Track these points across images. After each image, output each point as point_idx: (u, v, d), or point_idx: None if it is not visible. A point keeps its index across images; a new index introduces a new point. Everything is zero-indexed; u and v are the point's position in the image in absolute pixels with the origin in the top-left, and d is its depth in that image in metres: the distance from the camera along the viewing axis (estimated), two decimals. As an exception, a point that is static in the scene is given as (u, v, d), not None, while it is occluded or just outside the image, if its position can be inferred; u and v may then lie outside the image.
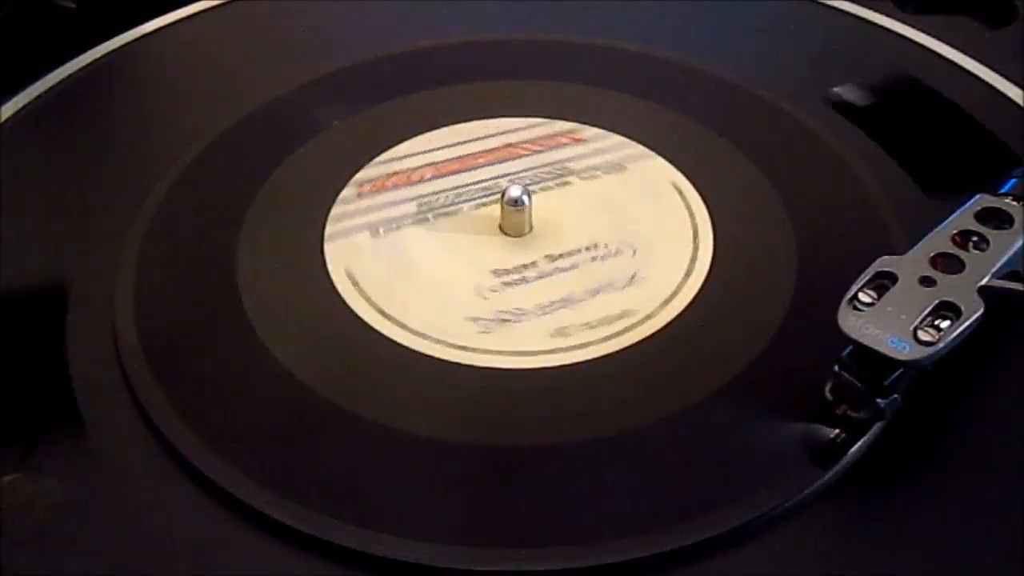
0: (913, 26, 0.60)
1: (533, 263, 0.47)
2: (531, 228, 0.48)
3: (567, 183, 0.51)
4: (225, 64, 0.59)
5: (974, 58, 0.57)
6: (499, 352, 0.43)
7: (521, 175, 0.51)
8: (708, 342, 0.44)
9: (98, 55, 0.59)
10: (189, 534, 0.38)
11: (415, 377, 0.43)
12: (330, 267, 0.47)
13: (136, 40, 0.60)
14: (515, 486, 0.40)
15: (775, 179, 0.50)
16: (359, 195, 0.50)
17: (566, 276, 0.46)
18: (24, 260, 0.48)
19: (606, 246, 0.47)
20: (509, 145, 0.53)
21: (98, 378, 0.43)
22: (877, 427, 0.40)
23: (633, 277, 0.46)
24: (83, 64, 0.58)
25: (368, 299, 0.45)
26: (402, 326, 0.44)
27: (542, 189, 0.50)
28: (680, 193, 0.50)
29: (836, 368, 0.39)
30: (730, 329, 0.44)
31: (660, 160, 0.52)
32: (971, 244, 0.41)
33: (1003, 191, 0.43)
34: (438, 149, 0.53)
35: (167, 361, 0.43)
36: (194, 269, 0.47)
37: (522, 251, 0.48)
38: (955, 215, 0.42)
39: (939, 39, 0.59)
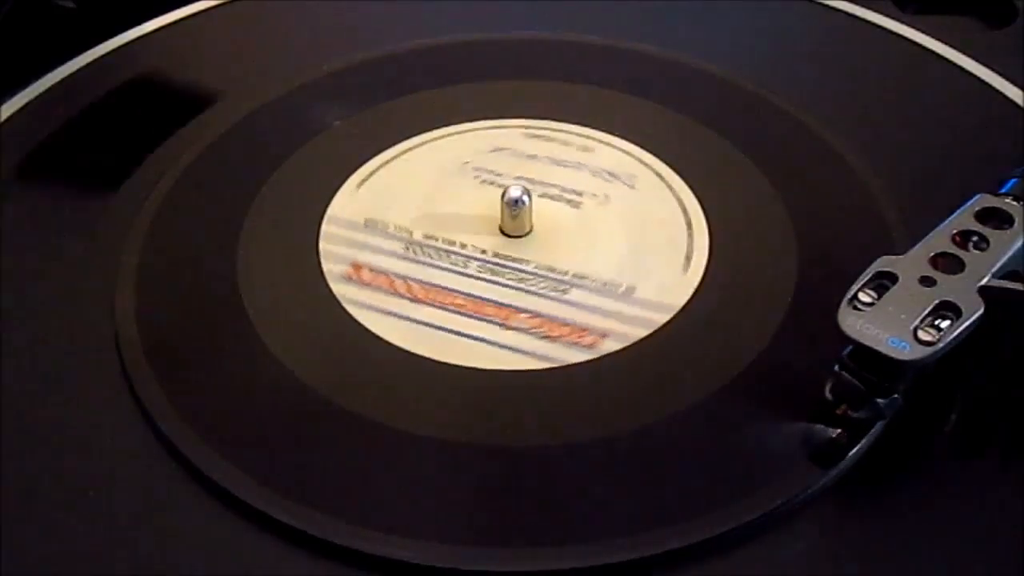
0: (913, 26, 0.60)
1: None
2: (531, 229, 0.48)
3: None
4: (225, 64, 0.59)
5: (974, 58, 0.57)
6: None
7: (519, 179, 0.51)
8: (708, 342, 0.44)
9: (98, 55, 0.59)
10: (189, 534, 0.38)
11: (415, 378, 0.43)
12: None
13: (136, 40, 0.60)
14: (515, 486, 0.40)
15: (775, 179, 0.50)
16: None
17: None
18: (24, 260, 0.48)
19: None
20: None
21: (98, 378, 0.43)
22: (877, 427, 0.40)
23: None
24: (83, 64, 0.58)
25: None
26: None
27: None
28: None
29: (836, 368, 0.39)
30: (730, 329, 0.44)
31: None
32: (971, 244, 0.41)
33: (1003, 191, 0.43)
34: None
35: (167, 361, 0.43)
36: (194, 269, 0.47)
37: (518, 253, 0.47)
38: (955, 215, 0.42)
39: (939, 39, 0.59)
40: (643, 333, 0.44)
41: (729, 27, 0.61)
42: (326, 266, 0.47)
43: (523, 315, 0.45)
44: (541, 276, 0.46)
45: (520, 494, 0.39)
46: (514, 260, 0.47)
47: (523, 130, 0.54)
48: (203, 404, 0.42)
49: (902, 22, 0.60)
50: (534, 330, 0.44)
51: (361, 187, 0.51)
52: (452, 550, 0.37)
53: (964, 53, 0.58)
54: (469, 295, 0.46)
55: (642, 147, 0.52)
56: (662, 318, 0.44)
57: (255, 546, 0.38)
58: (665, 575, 0.37)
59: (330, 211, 0.49)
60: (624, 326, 0.44)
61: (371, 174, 0.51)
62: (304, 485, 0.39)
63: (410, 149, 0.53)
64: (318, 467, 0.40)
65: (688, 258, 0.47)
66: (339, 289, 0.46)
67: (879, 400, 0.39)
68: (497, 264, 0.47)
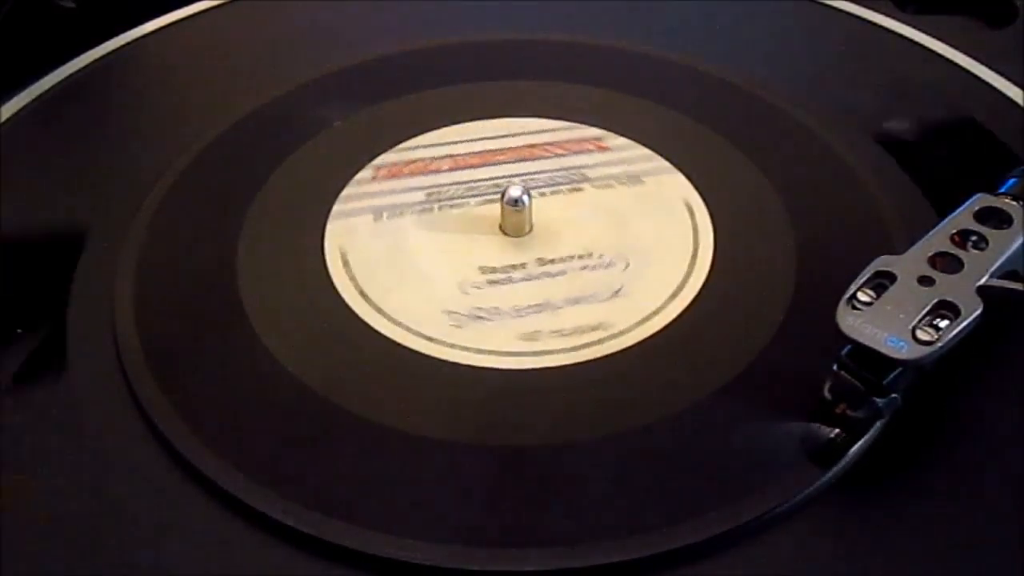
0: (913, 26, 0.60)
1: (523, 265, 0.47)
2: (531, 229, 0.48)
3: (579, 189, 0.51)
4: (225, 64, 0.59)
5: (974, 58, 0.57)
6: (498, 353, 0.43)
7: (535, 176, 0.51)
8: (708, 342, 0.44)
9: (98, 55, 0.59)
10: (189, 534, 0.38)
11: (416, 378, 0.43)
12: (331, 268, 0.47)
13: (136, 40, 0.60)
14: (515, 486, 0.40)
15: (775, 179, 0.50)
16: (374, 178, 0.51)
17: (556, 280, 0.46)
18: (25, 260, 0.48)
19: (600, 255, 0.47)
20: (531, 146, 0.53)
21: (98, 378, 0.43)
22: (877, 427, 0.40)
23: (632, 275, 0.46)
24: (83, 64, 0.58)
25: (369, 299, 0.45)
26: (394, 321, 0.44)
27: (552, 193, 0.50)
28: (680, 192, 0.50)
29: (835, 367, 0.39)
30: (730, 329, 0.44)
31: (658, 157, 0.52)
32: (970, 244, 0.41)
33: (1002, 191, 0.43)
34: (461, 142, 0.53)
35: (167, 361, 0.43)
36: (194, 269, 0.47)
37: (516, 252, 0.48)
38: (954, 214, 0.42)
39: (939, 39, 0.59)
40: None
41: (729, 27, 0.61)
42: (326, 267, 0.47)
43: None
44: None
45: (520, 494, 0.39)
46: (510, 264, 0.47)
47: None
48: (203, 404, 0.42)
49: (902, 22, 0.60)
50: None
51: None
52: (452, 550, 0.37)
53: (964, 53, 0.58)
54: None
55: (645, 146, 0.52)
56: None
57: (254, 546, 0.38)
58: (665, 575, 0.37)
59: (330, 211, 0.50)
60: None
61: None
62: (304, 485, 0.39)
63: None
64: (317, 467, 0.40)
65: (691, 261, 0.47)
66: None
67: (878, 400, 0.39)
68: (492, 270, 0.47)
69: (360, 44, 0.59)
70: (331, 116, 0.54)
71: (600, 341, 0.44)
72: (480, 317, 0.45)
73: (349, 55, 0.58)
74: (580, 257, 0.47)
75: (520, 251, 0.48)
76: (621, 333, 0.44)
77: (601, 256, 0.47)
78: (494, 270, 0.47)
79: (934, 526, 0.38)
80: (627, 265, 0.47)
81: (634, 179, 0.51)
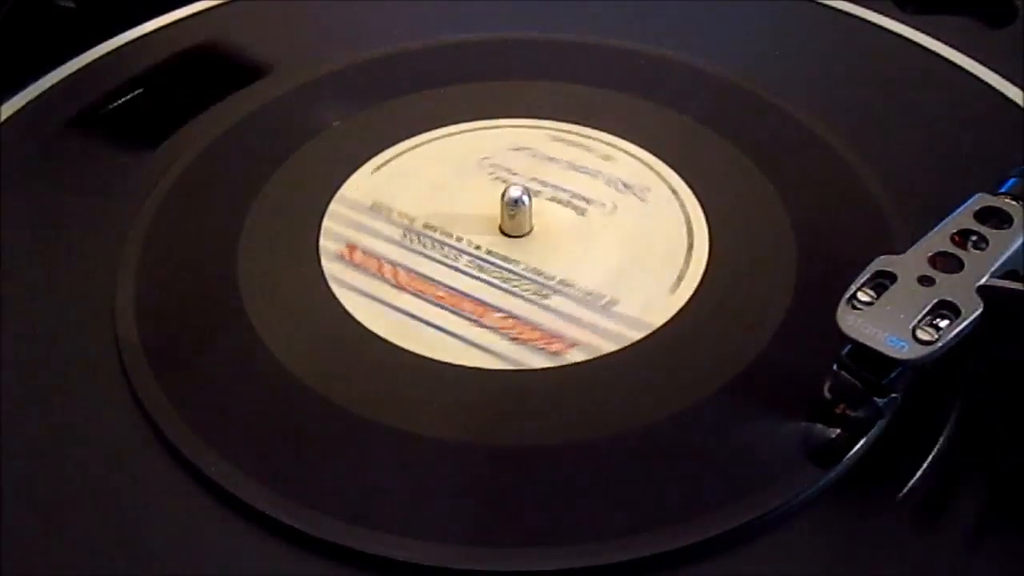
0: (913, 26, 0.60)
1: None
2: (531, 230, 0.48)
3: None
4: (225, 64, 0.59)
5: (974, 58, 0.57)
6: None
7: (535, 176, 0.51)
8: (708, 342, 0.44)
9: (98, 55, 0.59)
10: (189, 534, 0.38)
11: (415, 378, 0.43)
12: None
13: (136, 40, 0.60)
14: (515, 486, 0.40)
15: (775, 179, 0.50)
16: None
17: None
18: (24, 260, 0.48)
19: (599, 255, 0.47)
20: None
21: (98, 378, 0.43)
22: (877, 427, 0.40)
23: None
24: (83, 64, 0.58)
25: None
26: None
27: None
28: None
29: (835, 367, 0.39)
30: (730, 329, 0.44)
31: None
32: (970, 243, 0.41)
33: (1002, 191, 0.43)
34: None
35: (167, 361, 0.43)
36: (194, 269, 0.47)
37: (516, 253, 0.48)
38: (954, 214, 0.42)
39: (939, 39, 0.59)
40: (612, 347, 0.44)
41: (728, 27, 0.61)
42: (323, 243, 0.47)
43: (498, 315, 0.45)
44: (527, 278, 0.46)
45: (520, 494, 0.39)
46: (505, 260, 0.47)
47: (549, 132, 0.54)
48: (203, 404, 0.42)
49: (902, 22, 0.60)
50: (504, 331, 0.44)
51: (377, 172, 0.51)
52: (452, 550, 0.37)
53: (964, 53, 0.58)
54: (451, 288, 0.46)
55: (644, 146, 0.52)
56: (636, 335, 0.44)
57: (254, 546, 0.38)
58: (665, 575, 0.37)
59: (342, 190, 0.50)
60: (595, 338, 0.44)
61: (390, 160, 0.52)
62: (304, 485, 0.39)
63: (431, 141, 0.53)
64: (318, 467, 0.40)
65: (679, 278, 0.46)
66: (330, 268, 0.46)
67: (878, 399, 0.39)
68: (487, 262, 0.47)
69: (360, 44, 0.59)
70: (331, 116, 0.54)
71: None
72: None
73: (349, 55, 0.58)
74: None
75: (520, 252, 0.47)
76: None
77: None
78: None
79: (934, 526, 0.38)
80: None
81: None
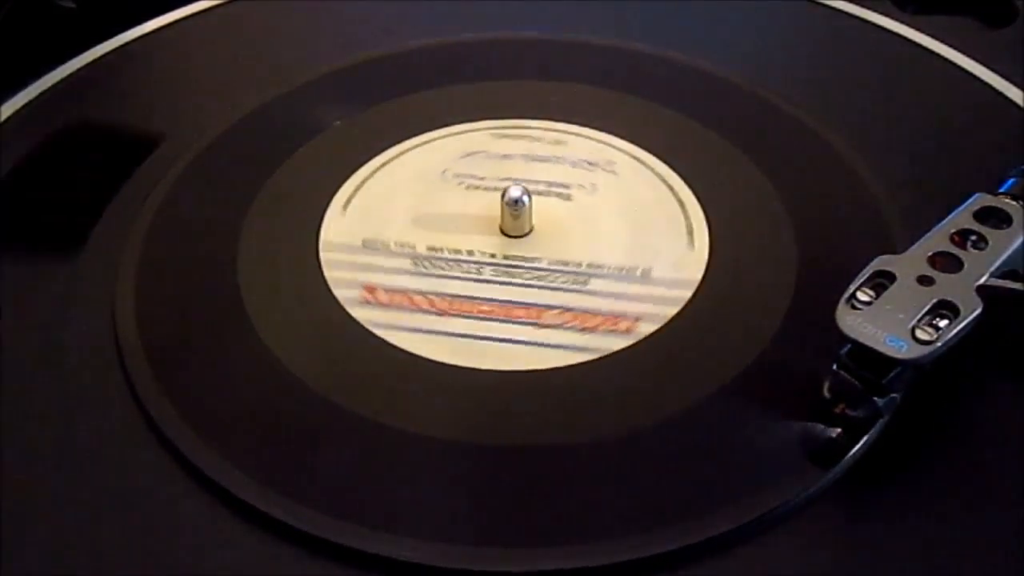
0: (913, 26, 0.60)
1: (539, 262, 0.47)
2: (531, 230, 0.48)
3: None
4: (225, 64, 0.59)
5: (974, 58, 0.57)
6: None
7: (533, 177, 0.51)
8: (708, 342, 0.44)
9: (98, 55, 0.59)
10: (189, 534, 0.38)
11: (415, 378, 0.43)
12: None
13: (136, 40, 0.60)
14: (515, 486, 0.40)
15: (775, 179, 0.50)
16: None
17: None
18: (24, 260, 0.48)
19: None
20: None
21: (98, 378, 0.43)
22: (877, 427, 0.40)
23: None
24: (83, 64, 0.58)
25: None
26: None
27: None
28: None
29: (834, 367, 0.39)
30: (730, 329, 0.44)
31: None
32: (970, 243, 0.41)
33: (1002, 190, 0.43)
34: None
35: (167, 361, 0.43)
36: (194, 269, 0.47)
37: (516, 253, 0.47)
38: (954, 214, 0.42)
39: (939, 39, 0.59)
40: (643, 333, 0.44)
41: (728, 26, 0.61)
42: (338, 293, 0.46)
43: (552, 312, 0.45)
44: (558, 271, 0.46)
45: (520, 494, 0.39)
46: (526, 260, 0.47)
47: (490, 131, 0.54)
48: (203, 404, 0.42)
49: (902, 22, 0.60)
50: (569, 325, 0.44)
51: (347, 207, 0.50)
52: (452, 549, 0.37)
53: (964, 53, 0.58)
54: (492, 300, 0.45)
55: (644, 147, 0.52)
56: (685, 293, 0.45)
57: (254, 546, 0.38)
58: (665, 575, 0.37)
59: (323, 236, 0.48)
60: (651, 307, 0.44)
61: (352, 194, 0.51)
62: (304, 485, 0.39)
63: (385, 164, 0.52)
64: (318, 467, 0.40)
65: (690, 232, 0.47)
66: (362, 315, 0.45)
67: (877, 399, 0.39)
68: (510, 266, 0.47)
69: (360, 44, 0.59)
70: (331, 116, 0.54)
71: (599, 342, 0.44)
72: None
73: (349, 55, 0.58)
74: (592, 239, 0.47)
75: (535, 249, 0.47)
76: (620, 333, 0.44)
77: (609, 232, 0.47)
78: (522, 272, 0.47)
79: (934, 526, 0.38)
80: (637, 233, 0.47)
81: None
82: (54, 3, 0.62)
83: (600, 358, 0.43)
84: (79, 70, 0.58)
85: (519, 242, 0.48)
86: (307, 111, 0.55)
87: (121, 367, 0.43)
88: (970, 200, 0.43)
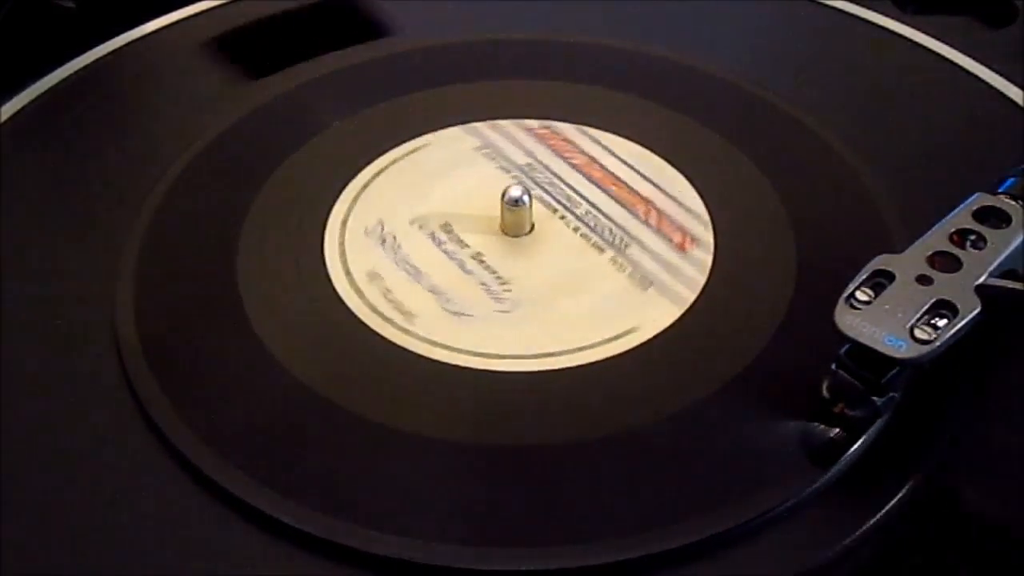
0: (913, 26, 0.60)
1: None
2: (531, 229, 0.48)
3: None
4: (225, 64, 0.59)
5: (974, 58, 0.57)
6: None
7: (533, 177, 0.51)
8: (708, 342, 0.44)
9: (98, 55, 0.59)
10: (189, 534, 0.38)
11: (415, 378, 0.43)
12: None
13: (136, 40, 0.60)
14: (515, 486, 0.40)
15: (775, 179, 0.50)
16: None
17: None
18: (24, 260, 0.48)
19: (599, 256, 0.47)
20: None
21: (98, 378, 0.43)
22: (876, 427, 0.40)
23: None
24: (83, 64, 0.58)
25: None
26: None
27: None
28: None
29: (834, 367, 0.39)
30: (730, 329, 0.44)
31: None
32: (969, 243, 0.41)
33: (1001, 190, 0.43)
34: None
35: (167, 361, 0.43)
36: (194, 269, 0.47)
37: (520, 254, 0.48)
38: (953, 214, 0.42)
39: (939, 39, 0.59)
40: (643, 334, 0.44)
41: (728, 26, 0.61)
42: (326, 266, 0.47)
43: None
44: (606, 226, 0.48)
45: (519, 494, 0.39)
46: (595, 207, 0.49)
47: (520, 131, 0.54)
48: (202, 403, 0.42)
49: (902, 22, 0.60)
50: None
51: (348, 207, 0.50)
52: (452, 549, 0.37)
53: (964, 53, 0.58)
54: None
55: (644, 146, 0.52)
56: (662, 318, 0.45)
57: (254, 545, 0.38)
58: (665, 575, 0.37)
59: (324, 236, 0.49)
60: (624, 327, 0.44)
61: (353, 195, 0.51)
62: (304, 485, 0.39)
63: (384, 165, 0.52)
64: (318, 467, 0.40)
65: (688, 258, 0.47)
66: (339, 289, 0.46)
67: (876, 399, 0.39)
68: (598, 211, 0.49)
69: (360, 44, 0.59)
70: (331, 116, 0.54)
71: (599, 342, 0.44)
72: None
73: (349, 55, 0.58)
74: (578, 260, 0.47)
75: (520, 252, 0.48)
76: (620, 334, 0.44)
77: (599, 257, 0.47)
78: (492, 272, 0.47)
79: (934, 526, 0.38)
80: (626, 264, 0.47)
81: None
82: (54, 3, 0.62)
83: (600, 359, 0.43)
84: (79, 70, 0.58)
85: (522, 241, 0.48)
86: (307, 111, 0.55)
87: (121, 367, 0.43)
88: (969, 200, 0.43)
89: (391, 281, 0.46)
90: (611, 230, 0.48)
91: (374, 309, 0.45)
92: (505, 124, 0.54)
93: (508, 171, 0.51)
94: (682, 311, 0.45)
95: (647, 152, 0.52)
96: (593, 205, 0.50)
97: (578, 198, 0.50)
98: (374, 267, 0.47)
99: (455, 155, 0.52)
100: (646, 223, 0.49)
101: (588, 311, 0.45)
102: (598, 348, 0.43)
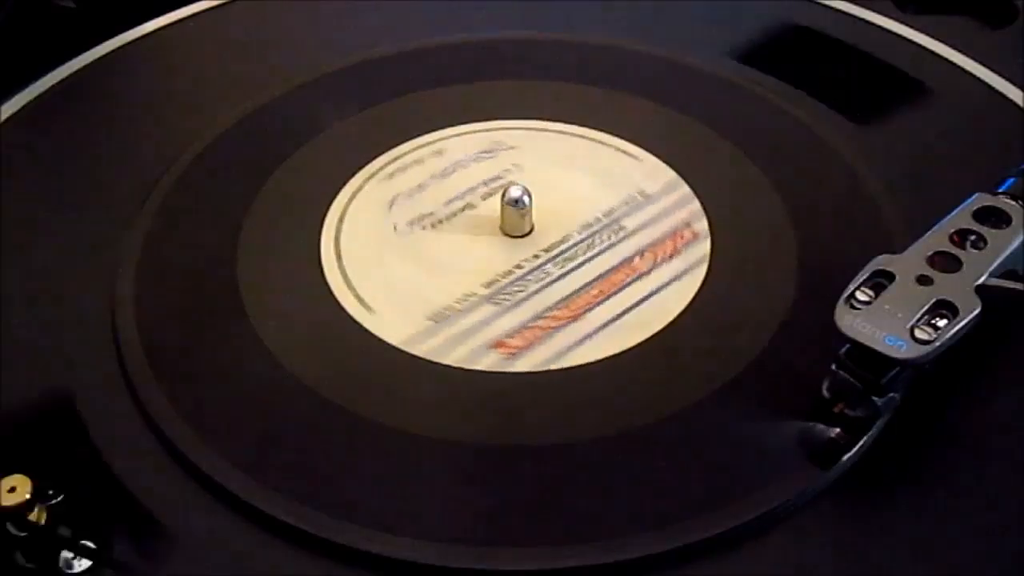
0: (913, 26, 0.60)
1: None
2: (531, 229, 0.48)
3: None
4: (225, 64, 0.59)
5: (974, 58, 0.57)
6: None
7: (532, 177, 0.51)
8: (708, 342, 0.44)
9: (98, 55, 0.59)
10: (190, 533, 0.38)
11: (415, 378, 0.43)
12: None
13: (136, 40, 0.60)
14: (515, 486, 0.40)
15: (775, 179, 0.50)
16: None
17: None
18: (24, 260, 0.48)
19: (598, 256, 0.47)
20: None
21: (98, 378, 0.43)
22: (876, 427, 0.40)
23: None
24: (83, 64, 0.58)
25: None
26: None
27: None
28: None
29: (834, 367, 0.39)
30: (730, 329, 0.44)
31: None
32: (969, 243, 0.41)
33: (1001, 190, 0.43)
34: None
35: (167, 361, 0.43)
36: (194, 269, 0.47)
37: (520, 255, 0.48)
38: (953, 214, 0.42)
39: (939, 39, 0.59)
40: (644, 334, 0.44)
41: (729, 26, 0.61)
42: (337, 292, 0.46)
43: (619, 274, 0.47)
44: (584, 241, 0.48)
45: (520, 494, 0.39)
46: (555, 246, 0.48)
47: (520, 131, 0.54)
48: (202, 403, 0.42)
49: (902, 22, 0.60)
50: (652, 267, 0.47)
51: (348, 208, 0.50)
52: (452, 549, 0.37)
53: (964, 53, 0.58)
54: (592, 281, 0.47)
55: (643, 146, 0.52)
56: (663, 318, 0.44)
57: (255, 545, 0.38)
58: (665, 575, 0.37)
59: (323, 237, 0.48)
60: (624, 327, 0.44)
61: (353, 195, 0.51)
62: (304, 485, 0.39)
63: (384, 165, 0.52)
64: (318, 467, 0.40)
65: (688, 258, 0.47)
66: (343, 296, 0.46)
67: (876, 399, 0.39)
68: (554, 258, 0.48)
69: (359, 44, 0.59)
70: (330, 117, 0.54)
71: (599, 342, 0.44)
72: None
73: (349, 55, 0.58)
74: (577, 261, 0.47)
75: (520, 252, 0.48)
76: (620, 334, 0.44)
77: (599, 257, 0.47)
78: (492, 272, 0.47)
79: (934, 526, 0.38)
80: (626, 264, 0.47)
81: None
82: (54, 3, 0.62)
83: (600, 359, 0.43)
84: (79, 70, 0.58)
85: (522, 241, 0.48)
86: (307, 111, 0.55)
87: (121, 367, 0.43)
88: (969, 200, 0.43)
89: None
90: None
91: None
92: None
93: (509, 172, 0.51)
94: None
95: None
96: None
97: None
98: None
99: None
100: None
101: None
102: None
